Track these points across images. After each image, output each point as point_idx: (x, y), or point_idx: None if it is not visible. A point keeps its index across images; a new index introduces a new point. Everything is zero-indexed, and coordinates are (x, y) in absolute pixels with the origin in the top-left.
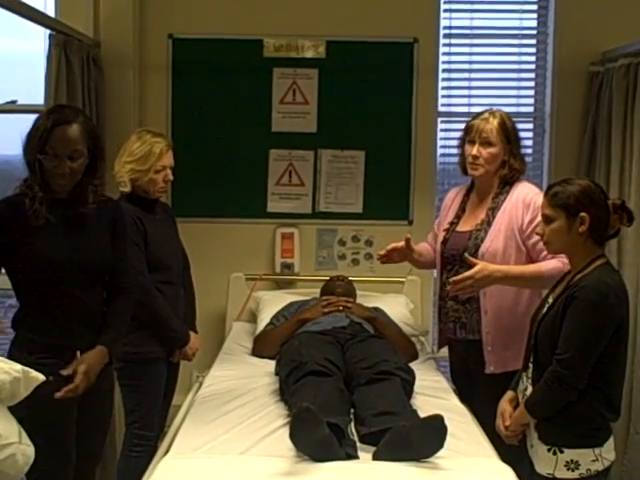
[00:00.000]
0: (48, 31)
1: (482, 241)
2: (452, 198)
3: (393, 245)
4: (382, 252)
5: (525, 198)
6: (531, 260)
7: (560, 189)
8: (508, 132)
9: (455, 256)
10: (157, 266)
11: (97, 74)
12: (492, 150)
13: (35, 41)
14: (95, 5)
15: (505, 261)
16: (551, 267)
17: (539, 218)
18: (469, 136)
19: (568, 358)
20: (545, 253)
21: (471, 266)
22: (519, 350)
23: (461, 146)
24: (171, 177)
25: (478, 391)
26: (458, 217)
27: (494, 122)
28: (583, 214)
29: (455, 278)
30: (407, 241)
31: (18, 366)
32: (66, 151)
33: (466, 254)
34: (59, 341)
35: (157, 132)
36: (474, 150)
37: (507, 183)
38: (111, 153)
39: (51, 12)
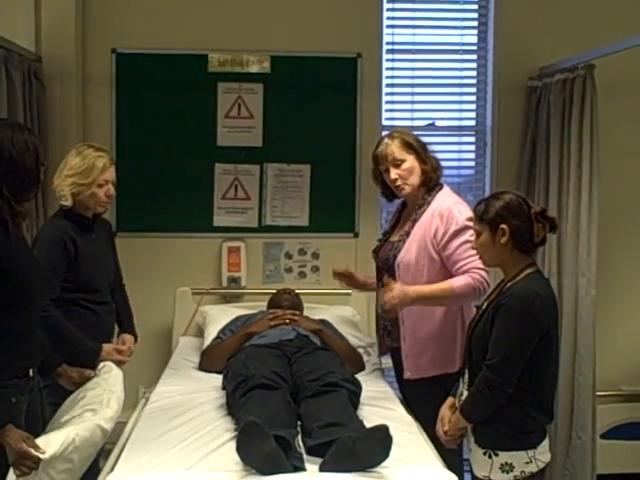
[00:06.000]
0: None
1: (400, 251)
2: (396, 210)
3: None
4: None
5: (440, 209)
6: (448, 272)
7: (484, 205)
8: (410, 143)
9: (384, 265)
10: (84, 287)
11: (39, 88)
12: (405, 165)
13: None
14: (37, 19)
15: (418, 271)
16: (462, 284)
17: (453, 229)
18: (381, 167)
19: (496, 363)
20: (460, 265)
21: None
22: (433, 357)
23: (376, 178)
24: (113, 192)
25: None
26: (393, 228)
27: (394, 142)
28: (503, 226)
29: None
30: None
31: None
32: None
33: (385, 278)
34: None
35: (99, 147)
36: (392, 175)
37: (429, 193)
38: (53, 168)
39: None
